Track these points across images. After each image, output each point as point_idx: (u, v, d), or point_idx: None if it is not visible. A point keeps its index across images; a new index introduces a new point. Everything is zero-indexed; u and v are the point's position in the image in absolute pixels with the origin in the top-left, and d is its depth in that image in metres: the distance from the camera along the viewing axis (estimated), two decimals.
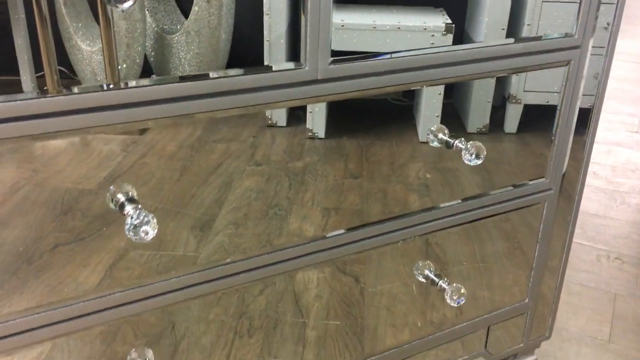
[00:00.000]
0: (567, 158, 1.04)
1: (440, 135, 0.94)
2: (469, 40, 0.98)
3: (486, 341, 1.06)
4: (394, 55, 0.89)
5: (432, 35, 0.97)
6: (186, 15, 0.85)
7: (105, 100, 0.67)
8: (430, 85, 0.96)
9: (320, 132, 0.95)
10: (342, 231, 0.90)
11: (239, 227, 0.83)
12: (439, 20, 0.97)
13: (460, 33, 0.98)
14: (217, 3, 0.84)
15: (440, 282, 0.94)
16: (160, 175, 0.75)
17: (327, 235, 0.89)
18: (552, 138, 1.02)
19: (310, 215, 0.89)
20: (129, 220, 0.65)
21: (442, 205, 0.97)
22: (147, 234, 0.65)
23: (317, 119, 0.94)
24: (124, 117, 0.69)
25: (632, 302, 1.51)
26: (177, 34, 0.89)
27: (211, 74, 0.76)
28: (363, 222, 0.94)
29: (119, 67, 0.72)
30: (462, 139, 0.91)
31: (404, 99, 1.03)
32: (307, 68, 0.78)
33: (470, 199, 0.99)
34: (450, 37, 0.96)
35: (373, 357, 0.98)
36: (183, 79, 0.74)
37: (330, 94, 0.82)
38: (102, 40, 0.67)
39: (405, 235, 0.94)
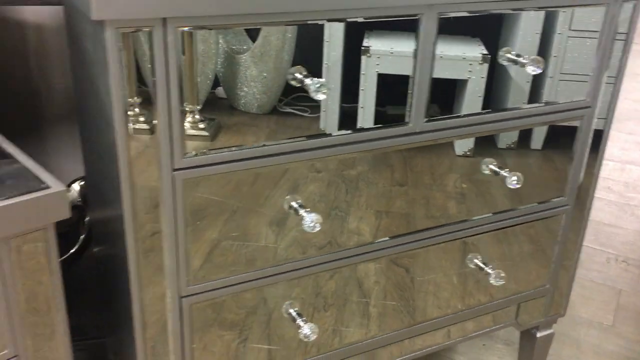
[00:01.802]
0: (582, 175, 1.17)
1: (490, 166, 1.07)
2: (502, 70, 1.08)
3: (517, 315, 1.24)
4: (465, 116, 1.02)
5: (470, 64, 1.05)
6: (252, 38, 0.94)
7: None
8: (473, 136, 1.07)
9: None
10: (389, 237, 1.03)
11: (304, 235, 0.96)
12: (476, 50, 1.04)
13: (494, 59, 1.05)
14: (282, 28, 0.93)
15: (486, 269, 1.11)
16: (237, 178, 0.89)
17: (381, 240, 1.02)
18: (572, 157, 1.15)
19: (365, 217, 1.02)
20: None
21: (476, 217, 1.10)
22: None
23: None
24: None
25: (634, 296, 1.74)
26: (245, 54, 0.97)
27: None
28: (410, 224, 1.07)
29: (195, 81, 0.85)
30: (507, 169, 1.05)
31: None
32: (411, 125, 0.96)
33: (501, 213, 1.12)
34: (486, 66, 1.04)
35: (424, 323, 1.13)
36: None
37: (423, 141, 1.00)
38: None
39: (446, 239, 1.08)
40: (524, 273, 1.20)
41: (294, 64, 0.92)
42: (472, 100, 1.06)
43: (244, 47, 0.96)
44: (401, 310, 1.10)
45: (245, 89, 0.99)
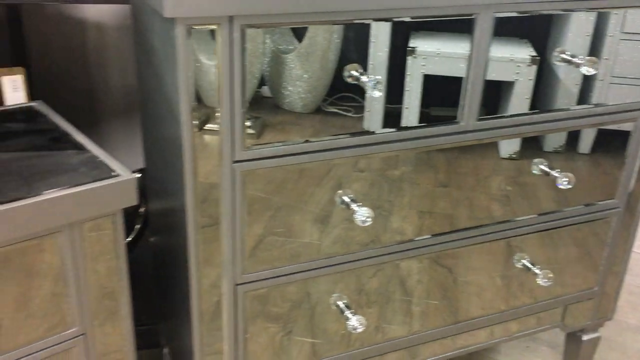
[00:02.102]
0: (633, 180, 1.17)
1: (541, 166, 1.08)
2: (551, 70, 1.08)
3: (563, 316, 1.24)
4: (515, 115, 1.03)
5: (518, 66, 1.05)
6: (299, 37, 0.96)
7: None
8: (523, 136, 1.07)
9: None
10: (431, 235, 1.05)
11: (351, 222, 0.98)
12: (524, 52, 1.04)
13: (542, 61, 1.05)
14: (329, 29, 0.95)
15: (534, 269, 1.12)
16: (281, 181, 0.92)
17: (423, 237, 1.04)
18: (625, 160, 1.14)
19: (408, 217, 1.05)
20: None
21: (521, 218, 1.11)
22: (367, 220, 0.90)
23: None
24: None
25: None
26: (291, 54, 0.98)
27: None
28: (452, 224, 1.08)
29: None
30: (558, 169, 1.06)
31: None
32: (462, 123, 0.98)
33: (546, 214, 1.13)
34: (534, 68, 1.04)
35: (467, 322, 1.14)
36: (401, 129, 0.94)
37: (473, 139, 1.01)
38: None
39: (489, 239, 1.09)
40: (570, 275, 1.20)
41: (339, 64, 0.93)
42: (518, 102, 1.07)
43: (290, 47, 0.97)
44: (444, 308, 1.12)
45: (290, 88, 1.01)
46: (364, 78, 0.83)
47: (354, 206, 0.91)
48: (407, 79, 1.01)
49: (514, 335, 1.21)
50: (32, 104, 1.01)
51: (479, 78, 0.96)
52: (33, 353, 0.77)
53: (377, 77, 0.83)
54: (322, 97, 1.00)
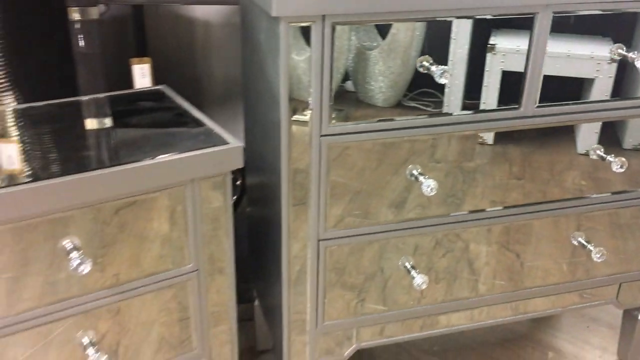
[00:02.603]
0: None
1: (598, 152, 1.17)
2: (632, 70, 1.12)
3: (617, 294, 1.32)
4: (573, 103, 1.11)
5: (598, 64, 1.11)
6: (382, 35, 1.03)
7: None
8: (596, 121, 1.15)
9: (490, 139, 1.16)
10: (502, 207, 1.17)
11: (424, 209, 1.12)
12: (605, 50, 1.09)
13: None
14: (412, 25, 1.01)
15: (589, 246, 1.22)
16: (361, 164, 1.06)
17: (493, 209, 1.16)
18: None
19: (480, 206, 1.15)
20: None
21: (588, 196, 1.20)
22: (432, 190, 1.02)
23: None
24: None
25: None
26: (375, 50, 1.04)
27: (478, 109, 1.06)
28: (522, 200, 1.18)
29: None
30: (612, 154, 1.15)
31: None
32: (522, 109, 1.09)
33: (615, 194, 1.21)
34: (614, 65, 1.10)
35: (527, 289, 1.25)
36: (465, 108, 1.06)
37: (533, 124, 1.12)
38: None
39: (555, 214, 1.19)
40: (628, 254, 1.29)
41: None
42: (598, 99, 1.12)
43: (374, 44, 1.04)
44: (508, 288, 1.24)
45: (372, 83, 1.07)
46: (433, 68, 0.97)
47: (421, 178, 1.05)
48: (486, 75, 1.08)
49: (569, 307, 1.30)
50: (159, 87, 1.22)
51: (537, 71, 1.07)
52: (160, 281, 0.98)
53: (444, 67, 0.97)
54: (402, 92, 1.07)
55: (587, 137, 1.17)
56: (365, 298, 1.15)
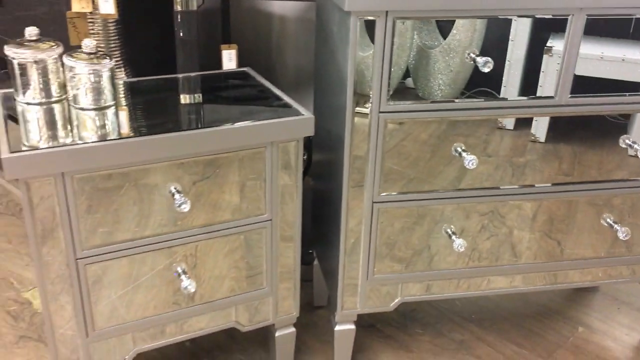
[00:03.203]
0: None
1: (627, 141, 1.28)
2: None
3: None
4: (605, 95, 1.22)
5: None
6: (443, 34, 1.13)
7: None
8: (611, 113, 1.24)
9: (542, 137, 1.26)
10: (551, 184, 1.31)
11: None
12: None
13: None
14: (472, 27, 1.12)
15: (615, 226, 1.34)
16: (416, 155, 1.21)
17: (541, 185, 1.31)
18: None
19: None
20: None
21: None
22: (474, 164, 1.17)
23: (540, 126, 1.25)
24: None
25: None
26: (436, 49, 1.14)
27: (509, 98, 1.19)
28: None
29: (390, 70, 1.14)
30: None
31: (620, 119, 1.27)
32: (556, 99, 1.23)
33: None
34: None
35: (568, 261, 1.38)
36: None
37: (568, 113, 1.24)
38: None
39: (590, 195, 1.33)
40: None
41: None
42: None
43: (435, 43, 1.13)
44: (548, 270, 1.38)
45: (432, 80, 1.16)
46: (477, 58, 1.14)
47: (464, 154, 1.22)
48: (541, 76, 1.19)
49: (600, 281, 1.44)
50: (244, 69, 1.44)
51: (570, 70, 1.21)
52: (240, 226, 1.19)
53: (487, 58, 1.13)
54: (460, 90, 1.18)
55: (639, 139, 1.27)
56: (413, 262, 1.33)
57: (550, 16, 1.16)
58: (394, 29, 1.11)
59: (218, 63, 1.92)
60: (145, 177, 1.07)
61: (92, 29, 1.33)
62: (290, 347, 1.39)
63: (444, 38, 1.13)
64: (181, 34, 1.45)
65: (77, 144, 1.00)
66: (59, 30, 1.54)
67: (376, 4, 1.07)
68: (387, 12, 1.09)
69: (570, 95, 1.23)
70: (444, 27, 1.13)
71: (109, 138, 1.03)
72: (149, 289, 1.15)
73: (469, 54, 1.16)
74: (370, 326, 1.61)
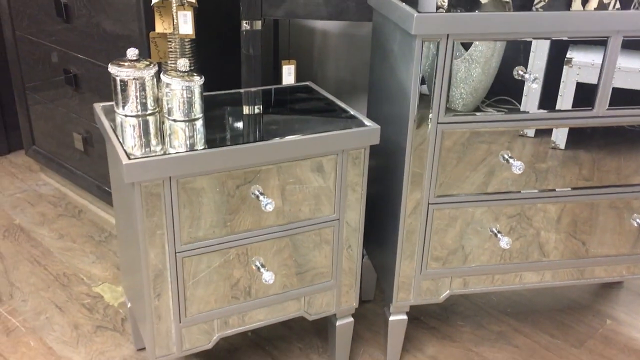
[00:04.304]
0: None
1: None
2: None
3: None
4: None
5: None
6: (465, 46, 1.23)
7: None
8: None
9: (562, 144, 1.35)
10: (570, 189, 1.44)
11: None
12: None
13: None
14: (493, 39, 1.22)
15: None
16: (446, 163, 1.33)
17: (563, 189, 1.45)
18: None
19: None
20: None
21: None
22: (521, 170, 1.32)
23: (560, 134, 1.34)
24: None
25: None
26: (459, 59, 1.23)
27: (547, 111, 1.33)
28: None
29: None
30: None
31: (637, 127, 1.35)
32: (594, 110, 1.35)
33: None
34: None
35: (593, 258, 1.51)
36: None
37: (604, 123, 1.35)
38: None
39: (614, 198, 1.47)
40: None
41: (500, 70, 1.23)
42: None
43: (457, 53, 1.22)
44: (575, 268, 1.51)
45: (454, 89, 1.25)
46: (526, 75, 1.28)
47: (511, 161, 1.36)
48: (562, 86, 1.28)
49: (626, 276, 1.57)
50: (307, 83, 1.58)
51: (608, 83, 1.34)
52: (311, 225, 1.33)
53: (536, 74, 1.27)
54: (481, 98, 1.26)
55: None
56: (458, 256, 1.47)
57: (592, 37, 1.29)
58: (454, 50, 1.25)
59: (274, 78, 2.06)
60: (235, 177, 1.21)
61: (171, 48, 1.48)
62: (349, 335, 1.53)
63: (466, 49, 1.24)
64: (248, 51, 1.59)
65: (180, 152, 1.15)
66: (126, 45, 1.69)
67: (440, 28, 1.22)
68: (448, 35, 1.24)
69: (607, 108, 1.37)
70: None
71: (207, 147, 1.17)
72: (232, 280, 1.29)
73: (517, 71, 1.30)
74: (415, 319, 1.75)
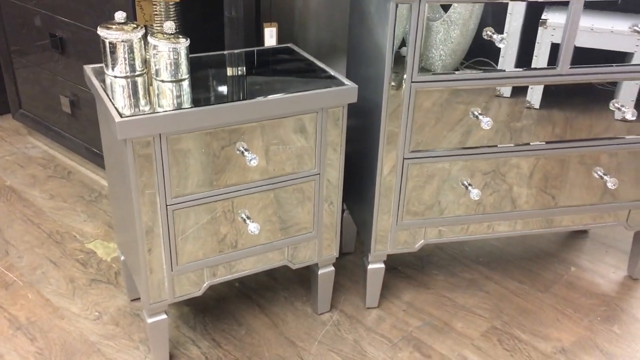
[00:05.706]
0: None
1: (624, 109, 1.48)
2: None
3: (627, 218, 1.68)
4: (600, 65, 1.40)
5: (639, 39, 1.36)
6: (444, 8, 1.28)
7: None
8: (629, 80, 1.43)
9: (537, 104, 1.41)
10: (544, 142, 1.55)
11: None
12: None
13: None
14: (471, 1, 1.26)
15: (605, 177, 1.57)
16: (421, 121, 1.42)
17: (536, 143, 1.54)
18: None
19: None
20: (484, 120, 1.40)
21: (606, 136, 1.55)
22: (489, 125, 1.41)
23: (534, 94, 1.40)
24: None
25: None
26: (438, 21, 1.27)
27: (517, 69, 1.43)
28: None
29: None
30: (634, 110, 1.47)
31: (608, 85, 1.41)
32: (558, 69, 1.43)
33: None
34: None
35: (564, 207, 1.62)
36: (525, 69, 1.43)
37: (567, 82, 1.43)
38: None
39: (584, 151, 1.57)
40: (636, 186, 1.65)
41: (478, 32, 1.29)
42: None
43: (437, 16, 1.26)
44: (541, 215, 1.62)
45: (433, 50, 1.29)
46: (494, 35, 1.36)
47: (481, 117, 1.45)
48: (536, 47, 1.33)
49: (589, 224, 1.67)
50: (288, 45, 1.65)
51: (571, 44, 1.42)
52: (293, 179, 1.42)
53: (503, 35, 1.35)
54: (460, 60, 1.32)
55: (625, 104, 1.45)
56: (434, 211, 1.56)
57: None
58: (425, 13, 1.32)
59: (256, 40, 2.10)
60: (221, 138, 1.29)
61: (156, 11, 1.53)
62: (330, 283, 1.63)
63: (445, 11, 1.28)
64: (231, 13, 1.65)
65: (169, 110, 1.22)
66: (112, 9, 1.73)
67: None
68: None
69: (569, 66, 1.46)
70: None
71: (194, 105, 1.24)
72: (218, 232, 1.38)
73: (487, 32, 1.38)
74: (392, 268, 1.86)
